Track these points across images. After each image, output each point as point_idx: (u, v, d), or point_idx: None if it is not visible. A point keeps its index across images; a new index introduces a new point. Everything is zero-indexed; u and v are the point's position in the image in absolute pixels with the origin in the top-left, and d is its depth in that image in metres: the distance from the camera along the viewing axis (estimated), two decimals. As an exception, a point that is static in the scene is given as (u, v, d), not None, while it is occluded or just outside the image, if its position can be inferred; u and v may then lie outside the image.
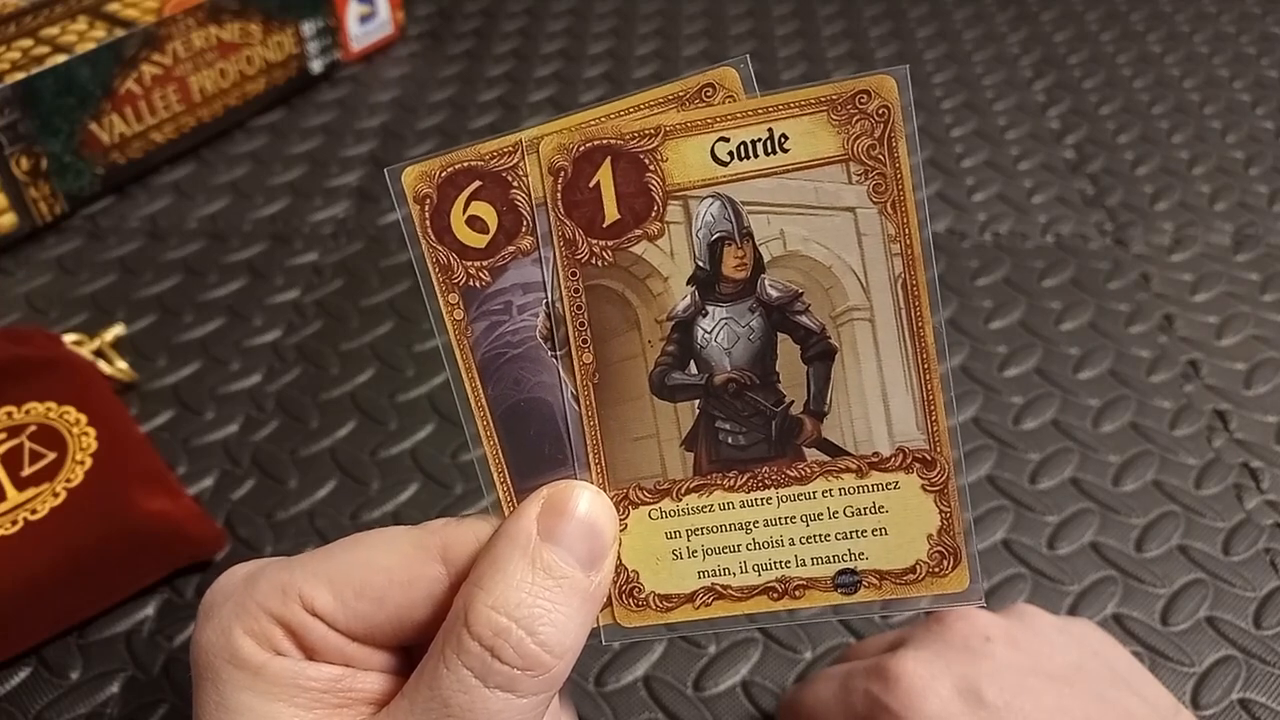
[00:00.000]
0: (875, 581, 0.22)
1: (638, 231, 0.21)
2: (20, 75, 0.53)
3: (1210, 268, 0.55)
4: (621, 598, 0.23)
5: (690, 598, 0.23)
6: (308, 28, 0.67)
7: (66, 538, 0.37)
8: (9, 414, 0.41)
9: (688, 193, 0.21)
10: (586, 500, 0.22)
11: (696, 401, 0.22)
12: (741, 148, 0.21)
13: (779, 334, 0.22)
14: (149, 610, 0.39)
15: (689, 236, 0.21)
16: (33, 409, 0.41)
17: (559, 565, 0.21)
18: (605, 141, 0.21)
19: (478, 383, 0.22)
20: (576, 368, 0.22)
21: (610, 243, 0.21)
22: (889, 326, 0.21)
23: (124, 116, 0.58)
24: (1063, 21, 0.79)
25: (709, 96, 0.21)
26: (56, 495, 0.38)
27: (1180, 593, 0.40)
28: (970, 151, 0.65)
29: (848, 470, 0.22)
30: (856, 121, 0.21)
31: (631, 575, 0.23)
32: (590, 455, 0.22)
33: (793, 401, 0.22)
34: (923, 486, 0.22)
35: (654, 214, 0.21)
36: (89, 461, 0.39)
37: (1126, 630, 0.38)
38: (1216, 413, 0.47)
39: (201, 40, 0.61)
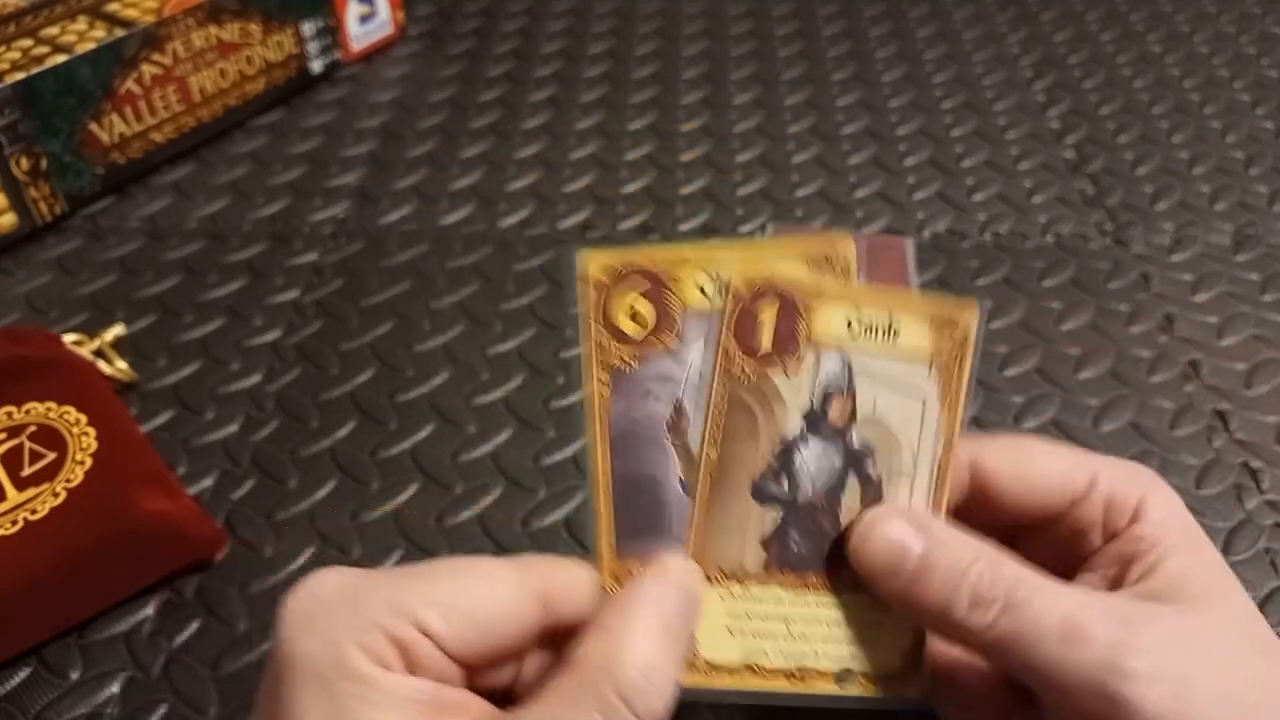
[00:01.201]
0: (861, 680, 0.27)
1: (779, 364, 0.26)
2: (20, 75, 0.53)
3: (1210, 268, 0.55)
4: None
5: (731, 669, 0.27)
6: (308, 28, 0.67)
7: (66, 538, 0.37)
8: (9, 414, 0.41)
9: (822, 346, 0.26)
10: (686, 576, 0.26)
11: (780, 512, 0.27)
12: (867, 327, 0.26)
13: (851, 476, 0.27)
14: (149, 610, 0.39)
15: (813, 380, 0.26)
16: (33, 409, 0.41)
17: (669, 628, 0.24)
18: (780, 287, 0.25)
19: (607, 451, 0.25)
20: (703, 460, 0.26)
21: (758, 366, 0.26)
22: (921, 489, 0.27)
23: (124, 116, 0.58)
24: (1063, 21, 0.79)
25: (832, 259, 0.26)
26: (56, 495, 0.38)
27: (1180, 592, 0.40)
28: (970, 151, 0.65)
29: (866, 592, 0.27)
30: (945, 335, 0.26)
31: (694, 640, 0.26)
32: (691, 534, 0.26)
33: (848, 529, 0.27)
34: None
35: (795, 354, 0.26)
36: (89, 461, 0.39)
37: (1127, 630, 0.38)
38: (1216, 413, 0.47)
39: (201, 40, 0.61)
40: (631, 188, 0.61)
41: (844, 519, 0.27)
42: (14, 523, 0.37)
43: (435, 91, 0.70)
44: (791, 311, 0.25)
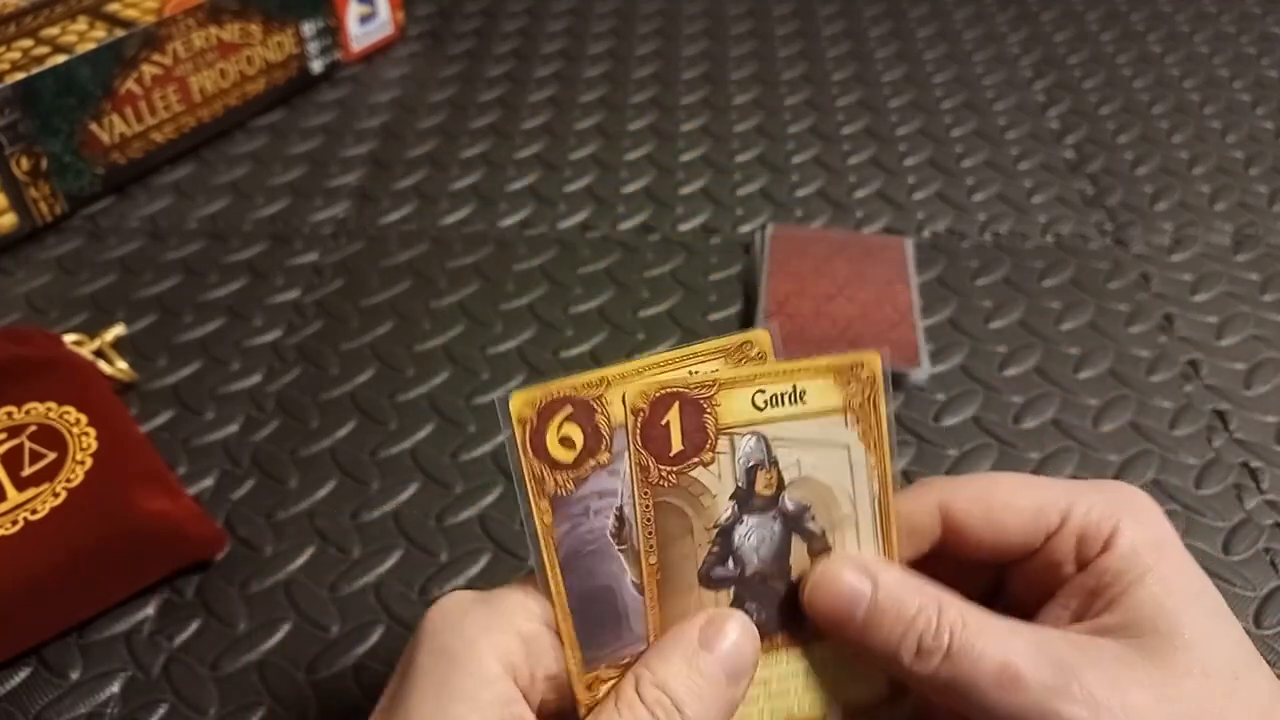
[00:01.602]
0: (858, 714, 0.29)
1: (695, 460, 0.27)
2: (20, 75, 0.53)
3: (1210, 268, 0.55)
4: None
5: None
6: (308, 28, 0.67)
7: (66, 538, 0.37)
8: (9, 414, 0.41)
9: (734, 430, 0.27)
10: (737, 629, 0.27)
11: (732, 589, 0.28)
12: (774, 398, 0.27)
13: (794, 536, 0.28)
14: (149, 610, 0.39)
15: (732, 464, 0.27)
16: (33, 409, 0.41)
17: (710, 669, 0.26)
18: (675, 390, 0.26)
19: (559, 574, 0.26)
20: (644, 566, 0.27)
21: (674, 468, 0.27)
22: (867, 531, 0.28)
23: (124, 116, 0.58)
24: (1063, 21, 0.79)
25: (748, 350, 0.27)
26: (56, 495, 0.38)
27: (1180, 592, 0.40)
28: (970, 151, 0.65)
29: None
30: (852, 383, 0.27)
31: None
32: (652, 633, 0.27)
33: (801, 583, 0.28)
34: None
35: (708, 446, 0.27)
36: (89, 461, 0.39)
37: (1127, 630, 0.38)
38: (1216, 413, 0.47)
39: (202, 40, 0.61)
40: (631, 188, 0.61)
41: (796, 576, 0.28)
42: (14, 523, 0.37)
43: (435, 91, 0.70)
44: (695, 409, 0.26)
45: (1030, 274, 0.55)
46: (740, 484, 0.27)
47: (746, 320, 0.52)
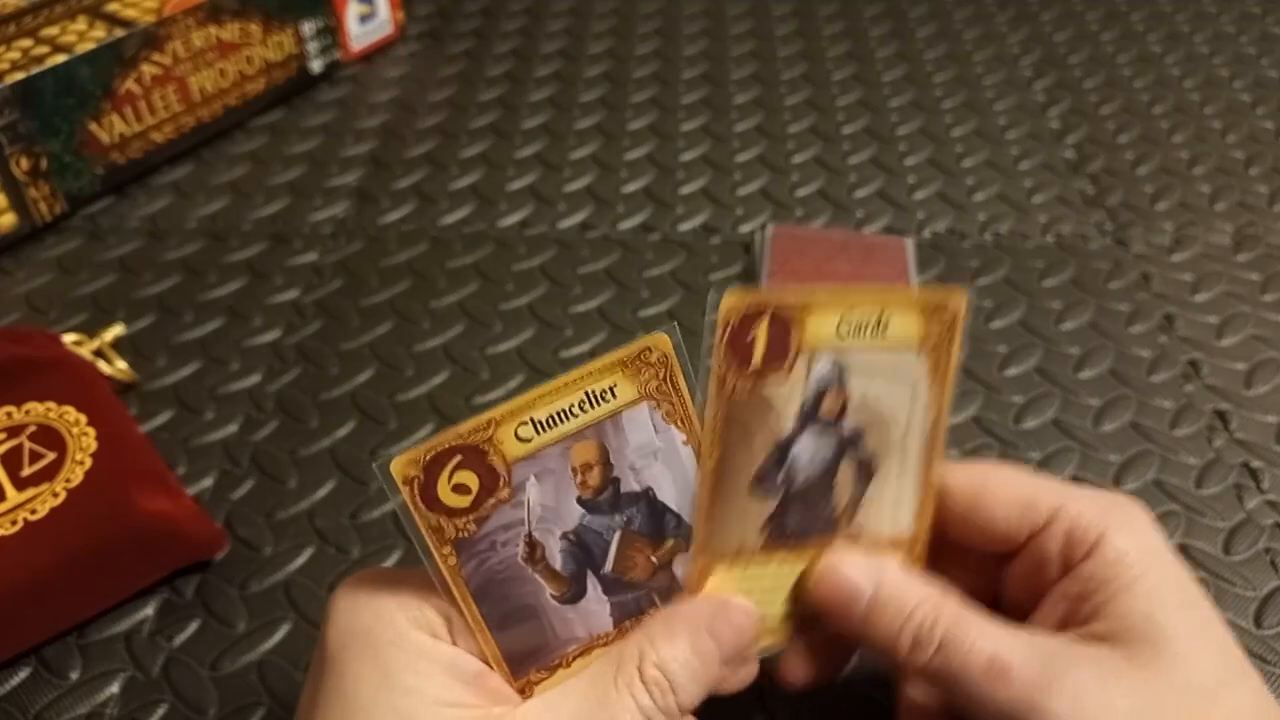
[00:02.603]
0: None
1: (771, 375, 0.27)
2: (20, 75, 0.53)
3: (1210, 268, 0.55)
4: None
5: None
6: (307, 28, 0.67)
7: (66, 538, 0.37)
8: (9, 414, 0.41)
9: (813, 351, 0.28)
10: (743, 618, 0.28)
11: (778, 498, 0.29)
12: (857, 326, 0.28)
13: (844, 457, 0.29)
14: (149, 610, 0.39)
15: (804, 383, 0.28)
16: (33, 409, 0.41)
17: (710, 654, 0.27)
18: (765, 304, 0.27)
19: (474, 608, 0.26)
20: (703, 471, 0.27)
21: (751, 381, 0.27)
22: (911, 464, 0.29)
23: (124, 116, 0.58)
24: (1063, 21, 0.79)
25: (647, 357, 0.27)
26: (56, 495, 0.38)
27: (1181, 592, 0.40)
28: (970, 151, 0.65)
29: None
30: (934, 321, 0.28)
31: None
32: (700, 528, 0.28)
33: (839, 504, 0.29)
34: (903, 555, 0.30)
35: (786, 363, 0.27)
36: (89, 461, 0.39)
37: (1127, 630, 0.38)
38: (1217, 413, 0.47)
39: (201, 40, 0.61)
40: (631, 188, 0.61)
41: (837, 495, 0.29)
42: (14, 523, 0.37)
43: (435, 91, 0.70)
44: (782, 327, 0.27)
45: (1030, 274, 0.55)
46: (807, 404, 0.28)
47: (746, 320, 0.52)
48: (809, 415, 0.28)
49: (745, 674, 0.30)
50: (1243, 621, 0.39)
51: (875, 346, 0.28)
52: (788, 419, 0.28)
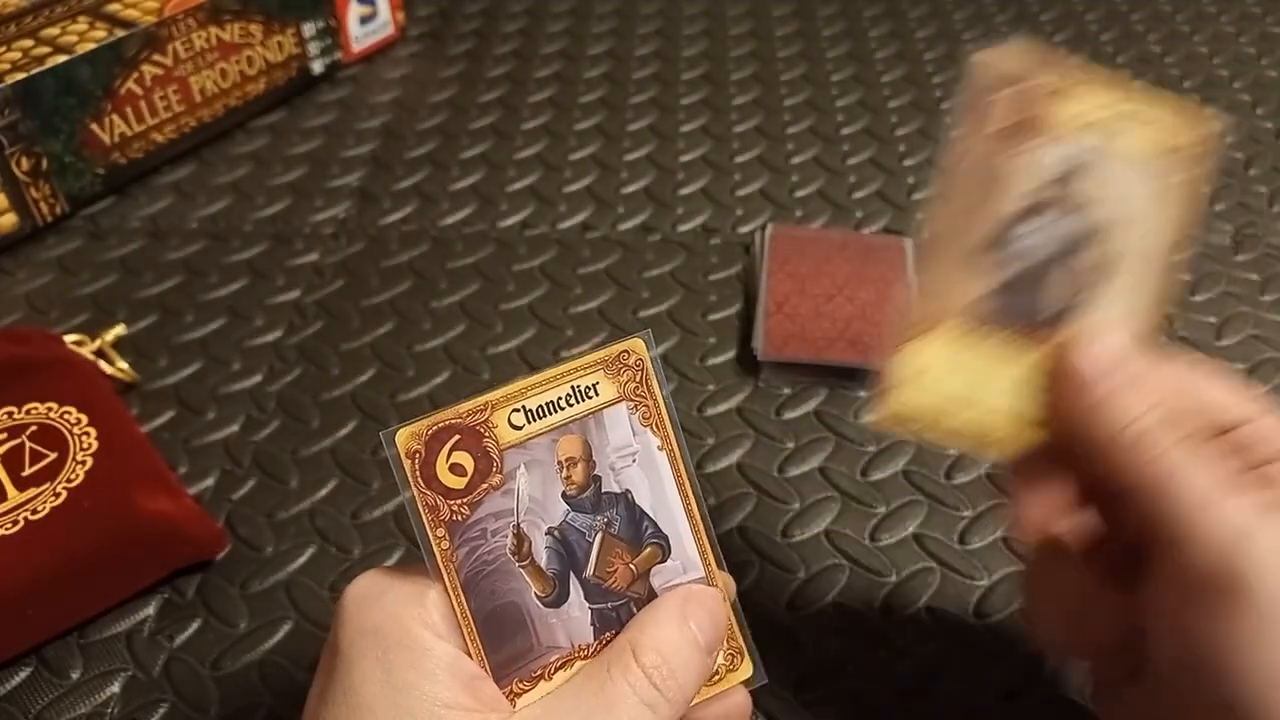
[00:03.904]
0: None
1: (1022, 144, 0.27)
2: (21, 75, 0.53)
3: (1210, 268, 0.55)
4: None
5: (956, 399, 0.29)
6: (308, 28, 0.67)
7: (67, 538, 0.37)
8: (9, 414, 0.41)
9: (1066, 131, 0.27)
10: (714, 605, 0.28)
11: (1003, 277, 0.28)
12: (1115, 117, 0.27)
13: (1075, 252, 0.28)
14: (149, 610, 0.39)
15: (1053, 160, 0.28)
16: (33, 409, 0.41)
17: (695, 641, 0.27)
18: (1018, 75, 0.27)
19: (462, 598, 0.26)
20: (938, 215, 0.28)
21: (1001, 143, 0.27)
22: (1140, 277, 0.28)
23: (124, 117, 0.58)
24: (1063, 22, 0.79)
25: (625, 359, 0.28)
26: (57, 495, 0.38)
27: (1180, 592, 0.40)
28: (970, 152, 0.64)
29: None
30: (1186, 139, 0.28)
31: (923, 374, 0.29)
32: (925, 278, 0.28)
33: (1061, 302, 0.29)
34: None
35: (1038, 135, 0.27)
36: (89, 461, 0.39)
37: (1126, 630, 0.38)
38: (1216, 412, 0.47)
39: (202, 41, 0.61)
40: (631, 188, 0.61)
41: (1066, 288, 0.28)
42: (14, 523, 0.37)
43: (436, 92, 0.70)
44: (1040, 98, 0.27)
45: (1030, 274, 0.55)
46: (1048, 182, 0.28)
47: (746, 320, 0.52)
48: (1049, 197, 0.28)
49: (735, 706, 0.29)
50: (1242, 621, 0.39)
51: (1129, 146, 0.28)
52: (1027, 193, 0.28)
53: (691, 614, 0.27)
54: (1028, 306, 0.28)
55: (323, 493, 0.43)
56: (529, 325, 0.51)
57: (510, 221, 0.58)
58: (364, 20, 0.72)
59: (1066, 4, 0.82)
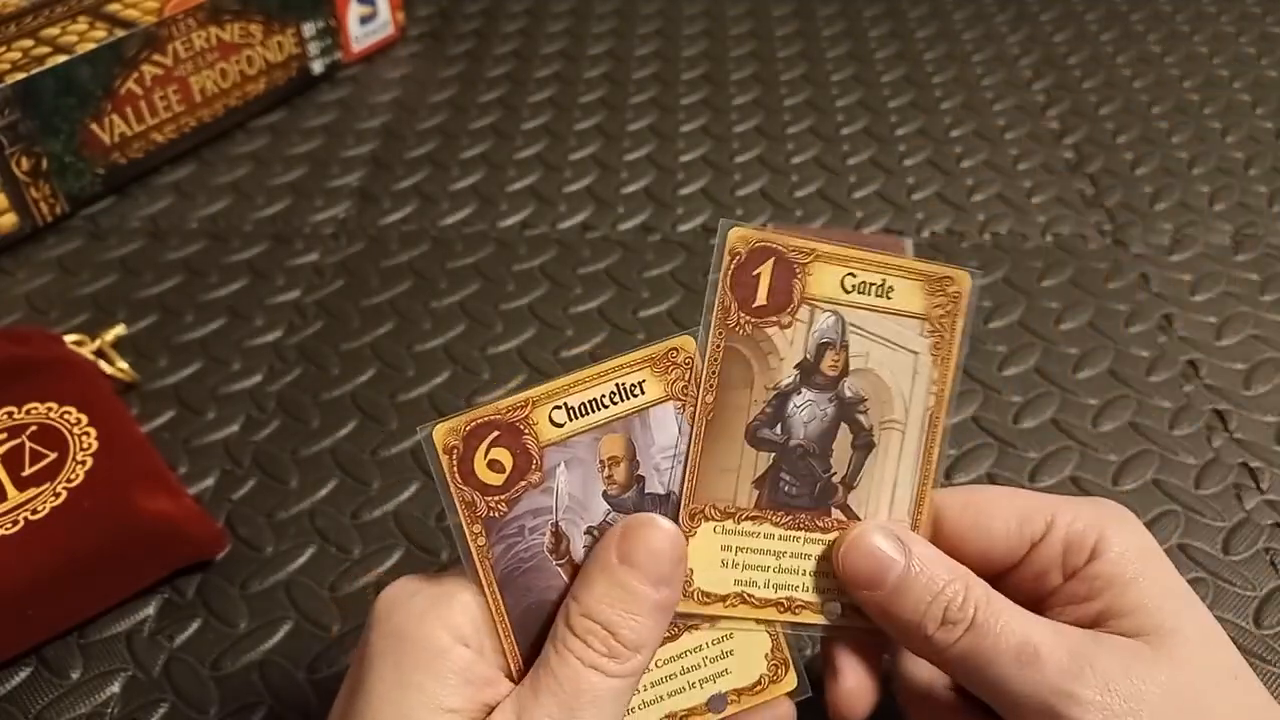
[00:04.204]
0: (849, 612, 0.29)
1: (774, 318, 0.28)
2: (21, 75, 0.53)
3: (1210, 268, 0.55)
4: None
5: (723, 598, 0.29)
6: (308, 28, 0.67)
7: (67, 538, 0.37)
8: (9, 414, 0.41)
9: (817, 303, 0.28)
10: (652, 533, 0.27)
11: (773, 454, 0.28)
12: (863, 285, 0.28)
13: (843, 424, 0.29)
14: (149, 610, 0.39)
15: (807, 334, 0.28)
16: (33, 409, 0.41)
17: (631, 583, 0.26)
18: (772, 245, 0.27)
19: (498, 595, 0.26)
20: (699, 405, 0.27)
21: (753, 319, 0.27)
22: (913, 439, 0.29)
23: (124, 117, 0.58)
24: (1063, 22, 0.79)
25: (674, 357, 0.27)
26: (57, 495, 0.38)
27: (1180, 592, 0.40)
28: (970, 151, 0.65)
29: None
30: (938, 295, 0.28)
31: (688, 572, 0.28)
32: (688, 474, 0.28)
33: (835, 473, 0.29)
34: None
35: (790, 310, 0.28)
36: (89, 461, 0.39)
37: (1126, 630, 0.38)
38: (1216, 413, 0.47)
39: (202, 41, 0.61)
40: (631, 188, 0.61)
41: (835, 464, 0.29)
42: (14, 523, 0.37)
43: (436, 92, 0.70)
44: (787, 269, 0.27)
45: (1029, 274, 0.55)
46: (809, 356, 0.28)
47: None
48: (810, 369, 0.28)
49: (779, 718, 0.29)
50: (1242, 621, 0.39)
51: (879, 309, 0.28)
52: (789, 367, 0.28)
53: (627, 553, 0.26)
54: (804, 485, 0.29)
55: (323, 493, 0.43)
56: (529, 325, 0.51)
57: (510, 221, 0.58)
58: (364, 20, 0.72)
59: (1066, 4, 0.82)
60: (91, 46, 0.55)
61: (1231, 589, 0.40)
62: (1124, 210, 0.60)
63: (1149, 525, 0.42)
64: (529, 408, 0.27)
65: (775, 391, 0.28)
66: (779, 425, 0.28)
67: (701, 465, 0.28)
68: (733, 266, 0.27)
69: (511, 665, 0.27)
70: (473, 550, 0.26)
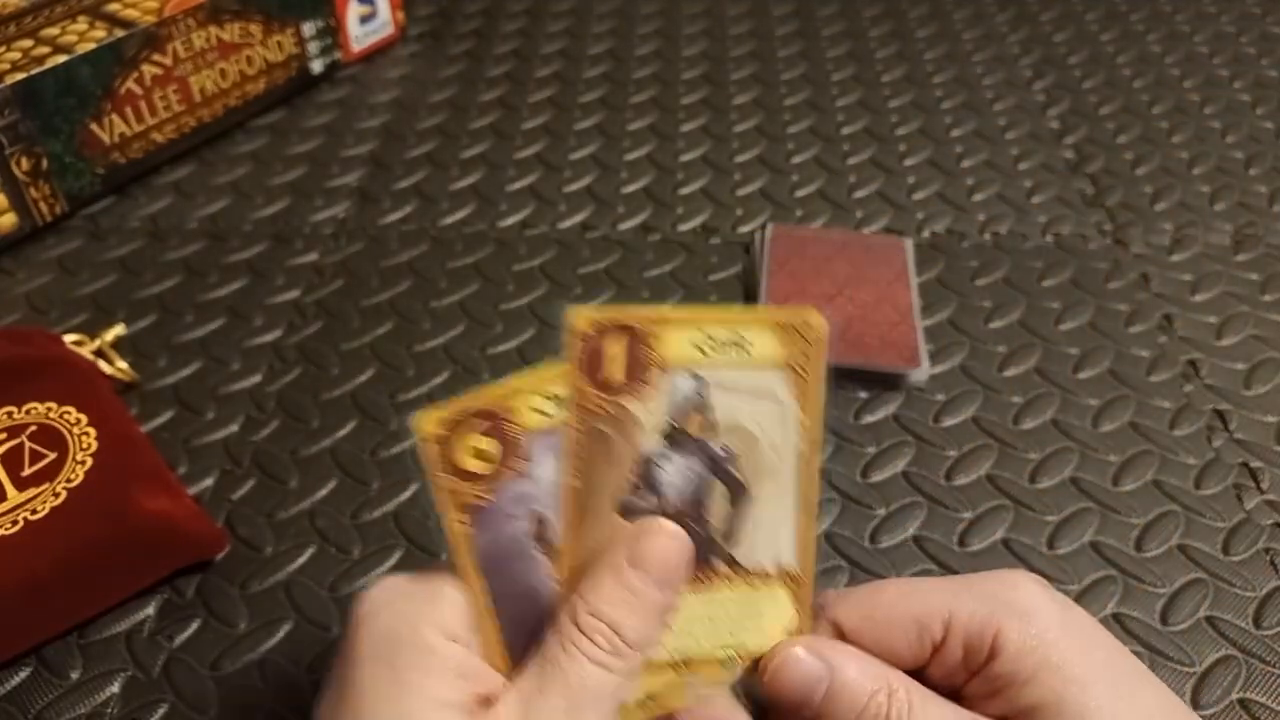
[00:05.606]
0: (748, 662, 0.29)
1: (630, 391, 0.27)
2: (21, 75, 0.53)
3: (1210, 268, 0.55)
4: None
5: None
6: (308, 28, 0.67)
7: (67, 538, 0.37)
8: (9, 414, 0.41)
9: (673, 368, 0.27)
10: (663, 537, 0.27)
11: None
12: (717, 344, 0.28)
13: (716, 480, 0.28)
14: (149, 610, 0.39)
15: (667, 400, 0.28)
16: (33, 409, 0.41)
17: (639, 586, 0.27)
18: (620, 321, 0.27)
19: (481, 581, 0.27)
20: (566, 490, 0.27)
21: (609, 396, 0.27)
22: (788, 487, 0.29)
23: (124, 117, 0.58)
24: (1063, 21, 0.79)
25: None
26: (57, 495, 0.38)
27: (1180, 592, 0.40)
28: (970, 151, 0.65)
29: (742, 580, 0.29)
30: (795, 340, 0.28)
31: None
32: (562, 560, 0.28)
33: (716, 529, 0.29)
34: (790, 594, 0.29)
35: (646, 380, 0.27)
36: (89, 461, 0.39)
37: (1126, 630, 0.38)
38: (1216, 413, 0.47)
39: (202, 41, 0.61)
40: (631, 188, 0.61)
41: (713, 520, 0.29)
42: (14, 523, 0.37)
43: (435, 92, 0.70)
44: (638, 342, 0.27)
45: (1030, 274, 0.55)
46: (672, 421, 0.28)
47: (746, 320, 0.52)
48: (676, 434, 0.28)
49: None
50: (1242, 622, 0.39)
51: (737, 364, 0.28)
52: (651, 435, 0.28)
53: (638, 557, 0.27)
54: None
55: (323, 493, 0.43)
56: (529, 325, 0.51)
57: (510, 221, 0.58)
58: (364, 20, 0.72)
59: (1066, 4, 0.82)
60: (91, 46, 0.55)
61: (1231, 589, 0.40)
62: (1124, 210, 0.60)
63: (1149, 526, 0.42)
64: (515, 397, 0.27)
65: (642, 461, 0.28)
66: (650, 493, 0.28)
67: (575, 549, 0.28)
68: (581, 349, 0.27)
69: (498, 653, 0.27)
70: (457, 537, 0.26)
